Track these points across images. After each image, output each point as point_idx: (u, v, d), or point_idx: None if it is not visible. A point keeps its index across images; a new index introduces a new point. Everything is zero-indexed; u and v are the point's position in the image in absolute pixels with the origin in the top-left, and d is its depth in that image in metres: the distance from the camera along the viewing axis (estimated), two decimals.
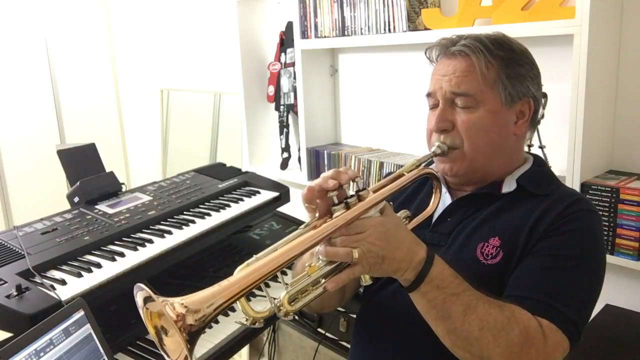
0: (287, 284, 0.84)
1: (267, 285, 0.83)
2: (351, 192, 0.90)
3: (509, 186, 1.06)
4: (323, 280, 0.85)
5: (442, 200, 1.11)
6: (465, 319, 0.84)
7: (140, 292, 0.76)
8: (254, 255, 0.81)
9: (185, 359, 0.72)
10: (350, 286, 1.16)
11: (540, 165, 1.12)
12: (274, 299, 0.82)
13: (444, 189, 1.12)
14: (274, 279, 1.10)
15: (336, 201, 0.88)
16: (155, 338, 0.78)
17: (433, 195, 1.09)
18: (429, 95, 1.09)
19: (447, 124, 1.04)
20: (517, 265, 0.96)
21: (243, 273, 0.78)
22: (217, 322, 1.45)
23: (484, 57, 1.01)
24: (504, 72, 1.02)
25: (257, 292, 1.42)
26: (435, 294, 0.86)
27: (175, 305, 0.71)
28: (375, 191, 0.91)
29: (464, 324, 0.84)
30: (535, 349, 0.84)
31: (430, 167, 1.11)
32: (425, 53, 1.11)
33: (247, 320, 0.80)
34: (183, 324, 0.70)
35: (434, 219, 1.10)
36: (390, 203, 0.94)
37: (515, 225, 0.99)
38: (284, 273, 0.86)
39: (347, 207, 0.87)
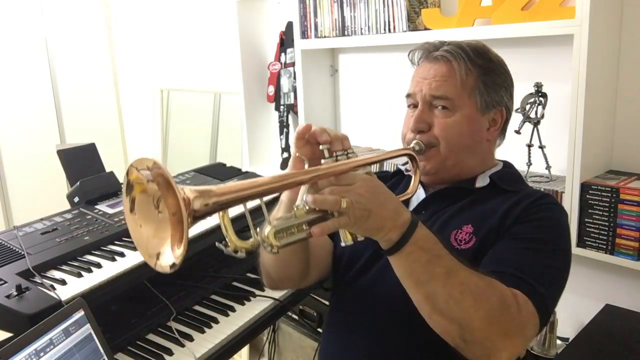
0: (271, 222, 0.85)
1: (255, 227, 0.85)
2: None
3: (482, 181, 1.11)
4: (307, 228, 0.85)
5: (417, 194, 1.13)
6: (448, 281, 0.84)
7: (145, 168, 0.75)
8: None
9: (181, 239, 0.71)
10: (316, 258, 1.15)
11: (509, 167, 1.18)
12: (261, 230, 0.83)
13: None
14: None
15: (327, 155, 0.91)
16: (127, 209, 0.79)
17: (413, 177, 1.10)
18: (408, 96, 1.13)
19: (424, 125, 1.09)
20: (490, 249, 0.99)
21: (240, 182, 0.82)
22: (217, 322, 1.45)
23: (465, 64, 1.06)
24: (481, 80, 1.07)
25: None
26: (419, 254, 0.85)
27: (185, 189, 0.73)
28: None
29: (445, 286, 0.84)
30: (511, 317, 0.85)
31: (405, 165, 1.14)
32: (408, 55, 1.15)
33: (228, 246, 0.80)
34: (188, 205, 0.71)
35: None
36: None
37: (488, 214, 1.03)
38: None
39: (337, 161, 0.90)
